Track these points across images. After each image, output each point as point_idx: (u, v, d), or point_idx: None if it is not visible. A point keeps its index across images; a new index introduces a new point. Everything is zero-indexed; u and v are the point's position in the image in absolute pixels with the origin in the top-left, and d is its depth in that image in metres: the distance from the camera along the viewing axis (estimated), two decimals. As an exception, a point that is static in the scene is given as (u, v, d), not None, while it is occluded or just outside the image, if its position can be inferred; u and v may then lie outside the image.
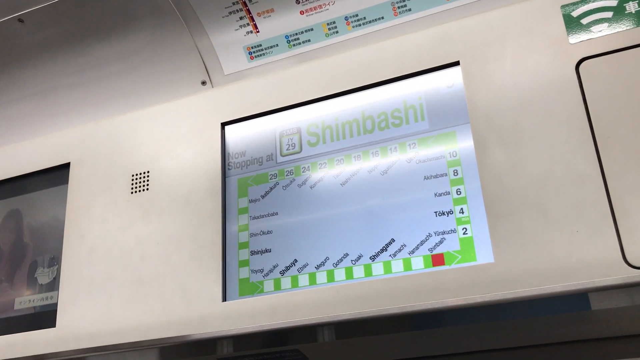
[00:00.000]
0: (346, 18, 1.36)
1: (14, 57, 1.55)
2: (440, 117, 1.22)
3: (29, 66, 1.57)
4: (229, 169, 1.37)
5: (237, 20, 1.42)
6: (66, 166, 1.54)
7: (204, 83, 1.49)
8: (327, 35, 1.39)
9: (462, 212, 1.14)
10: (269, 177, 1.33)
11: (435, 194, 1.17)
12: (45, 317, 1.44)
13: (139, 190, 1.42)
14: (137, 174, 1.44)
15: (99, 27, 1.47)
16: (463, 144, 1.18)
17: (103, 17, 1.45)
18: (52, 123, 1.63)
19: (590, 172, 1.04)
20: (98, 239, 1.42)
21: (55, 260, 1.48)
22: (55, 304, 1.42)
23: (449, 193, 1.16)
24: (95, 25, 1.47)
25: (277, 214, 1.29)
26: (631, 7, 1.10)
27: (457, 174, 1.16)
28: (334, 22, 1.38)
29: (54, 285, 1.46)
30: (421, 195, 1.18)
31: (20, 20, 1.45)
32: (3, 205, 1.62)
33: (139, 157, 1.45)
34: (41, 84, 1.59)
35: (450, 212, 1.15)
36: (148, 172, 1.43)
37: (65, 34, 1.48)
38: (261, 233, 1.29)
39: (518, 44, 1.17)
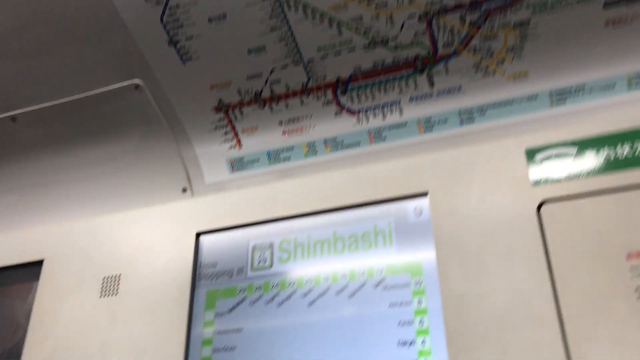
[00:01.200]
0: (325, 141, 1.43)
1: (2, 152, 1.60)
2: (408, 245, 1.25)
3: (15, 161, 1.61)
4: (199, 279, 1.38)
5: (222, 135, 1.48)
6: (40, 263, 1.55)
7: (184, 190, 1.53)
8: (306, 154, 1.45)
9: (424, 344, 1.14)
10: (238, 291, 1.34)
11: (399, 323, 1.18)
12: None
13: (108, 295, 1.42)
14: (108, 277, 1.44)
15: (89, 130, 1.52)
16: (428, 274, 1.20)
17: (93, 122, 1.51)
18: (31, 218, 1.65)
19: (547, 313, 1.06)
20: (61, 341, 1.40)
21: (14, 360, 1.46)
22: (9, 407, 1.38)
23: (412, 323, 1.17)
24: (84, 129, 1.52)
25: (241, 330, 1.29)
26: (591, 155, 1.16)
27: (421, 303, 1.18)
28: (314, 143, 1.44)
29: (10, 386, 1.43)
30: (385, 323, 1.19)
31: (12, 119, 1.51)
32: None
33: (112, 260, 1.46)
34: (25, 179, 1.63)
35: (412, 343, 1.15)
36: (119, 275, 1.43)
37: (54, 135, 1.54)
38: (224, 349, 1.28)
39: (483, 182, 1.22)
